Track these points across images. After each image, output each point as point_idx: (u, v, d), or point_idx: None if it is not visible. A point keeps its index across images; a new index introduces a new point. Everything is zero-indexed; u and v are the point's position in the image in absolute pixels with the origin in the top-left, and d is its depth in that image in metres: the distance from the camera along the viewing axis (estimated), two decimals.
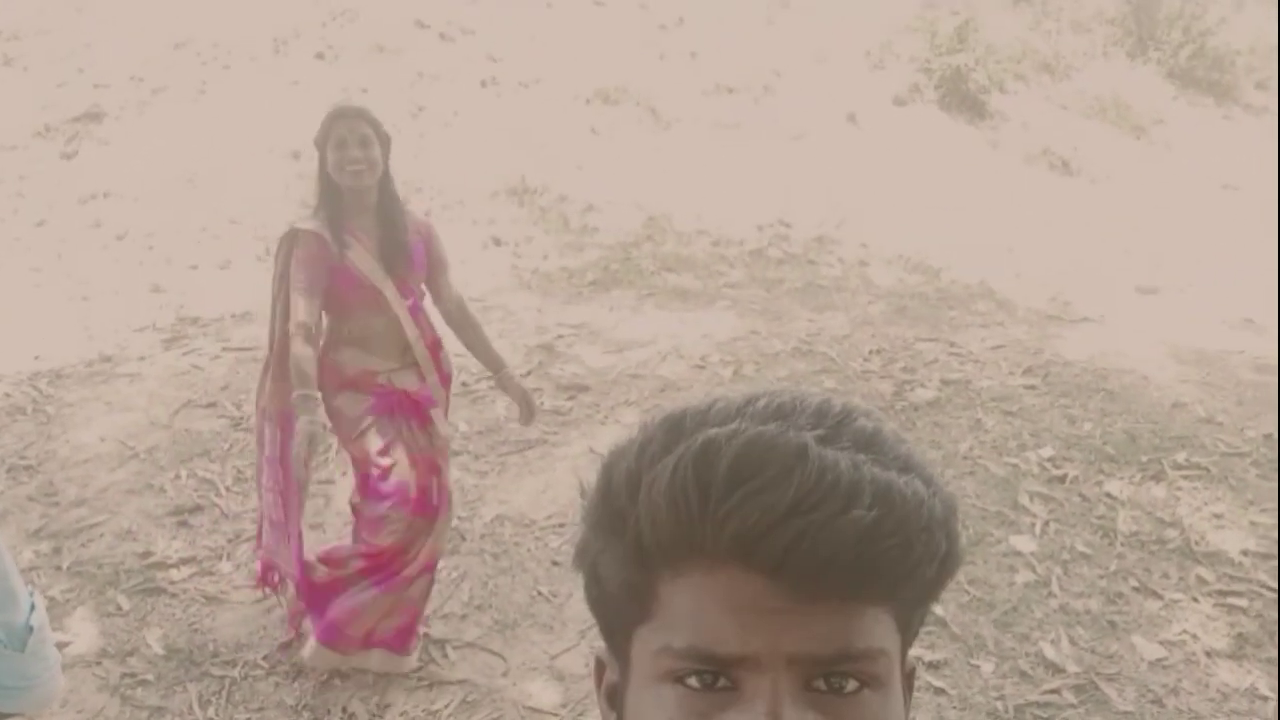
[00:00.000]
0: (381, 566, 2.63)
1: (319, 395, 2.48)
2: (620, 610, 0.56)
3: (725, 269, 5.83)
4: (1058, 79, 9.56)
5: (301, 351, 2.45)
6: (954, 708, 2.72)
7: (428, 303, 2.76)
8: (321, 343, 2.60)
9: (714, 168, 7.20)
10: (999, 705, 2.73)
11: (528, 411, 2.86)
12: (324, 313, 2.58)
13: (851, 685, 0.52)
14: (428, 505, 2.64)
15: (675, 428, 0.54)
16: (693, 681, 0.52)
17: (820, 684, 0.51)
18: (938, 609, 3.05)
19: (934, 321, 5.16)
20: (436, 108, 7.46)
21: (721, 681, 0.52)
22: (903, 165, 7.45)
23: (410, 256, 2.59)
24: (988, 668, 2.85)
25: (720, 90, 8.19)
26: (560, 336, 4.92)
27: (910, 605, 0.54)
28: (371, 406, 2.60)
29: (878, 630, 0.52)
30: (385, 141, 2.53)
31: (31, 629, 1.20)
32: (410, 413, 2.64)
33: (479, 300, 5.31)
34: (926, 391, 4.38)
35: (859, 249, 6.14)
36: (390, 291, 2.54)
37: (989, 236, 6.40)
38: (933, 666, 2.84)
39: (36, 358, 4.59)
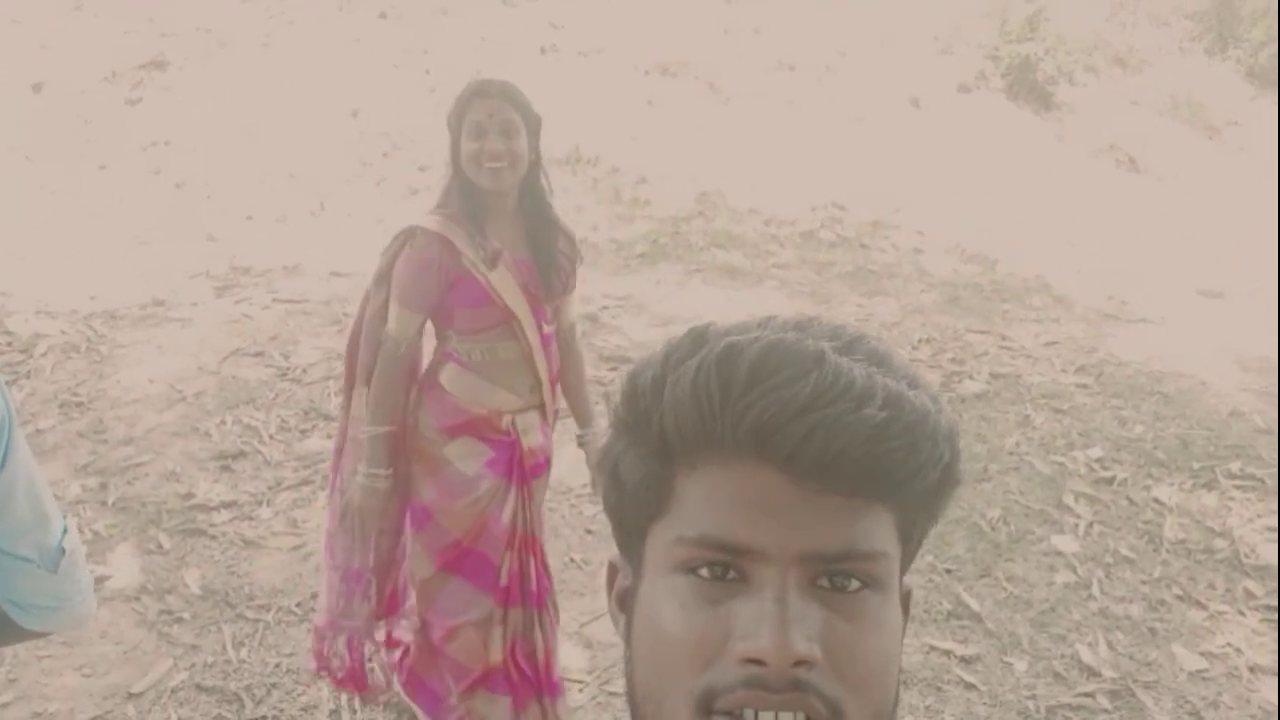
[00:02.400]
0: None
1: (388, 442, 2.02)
2: (638, 507, 0.58)
3: (775, 249, 5.75)
4: (1130, 73, 9.27)
5: (388, 374, 1.99)
6: (984, 704, 2.67)
7: None
8: (428, 371, 2.12)
9: (770, 146, 7.11)
10: (1030, 705, 2.68)
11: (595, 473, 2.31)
12: (437, 333, 2.09)
13: (854, 584, 0.54)
14: (519, 592, 2.15)
15: (699, 337, 0.57)
16: (703, 572, 0.54)
17: (824, 582, 0.53)
18: (973, 602, 3.01)
19: (987, 313, 5.06)
20: (494, 73, 7.43)
21: (731, 574, 0.54)
22: (964, 153, 7.29)
23: (560, 277, 2.07)
24: (1021, 666, 2.80)
25: (782, 68, 8.06)
26: (605, 307, 4.90)
27: (912, 511, 0.56)
28: (493, 462, 2.07)
29: (881, 533, 0.55)
30: (535, 126, 1.99)
31: (64, 551, 1.21)
32: (527, 476, 2.11)
33: None
34: (975, 384, 4.30)
35: (914, 236, 6.03)
36: (527, 318, 2.01)
37: (1048, 230, 6.24)
38: (965, 661, 2.80)
39: (92, 298, 4.68)
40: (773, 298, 5.06)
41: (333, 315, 4.58)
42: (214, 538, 3.14)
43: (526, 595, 2.17)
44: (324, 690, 2.58)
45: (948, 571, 3.13)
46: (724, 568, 0.54)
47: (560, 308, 2.15)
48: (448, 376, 2.06)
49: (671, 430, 0.55)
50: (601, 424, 2.28)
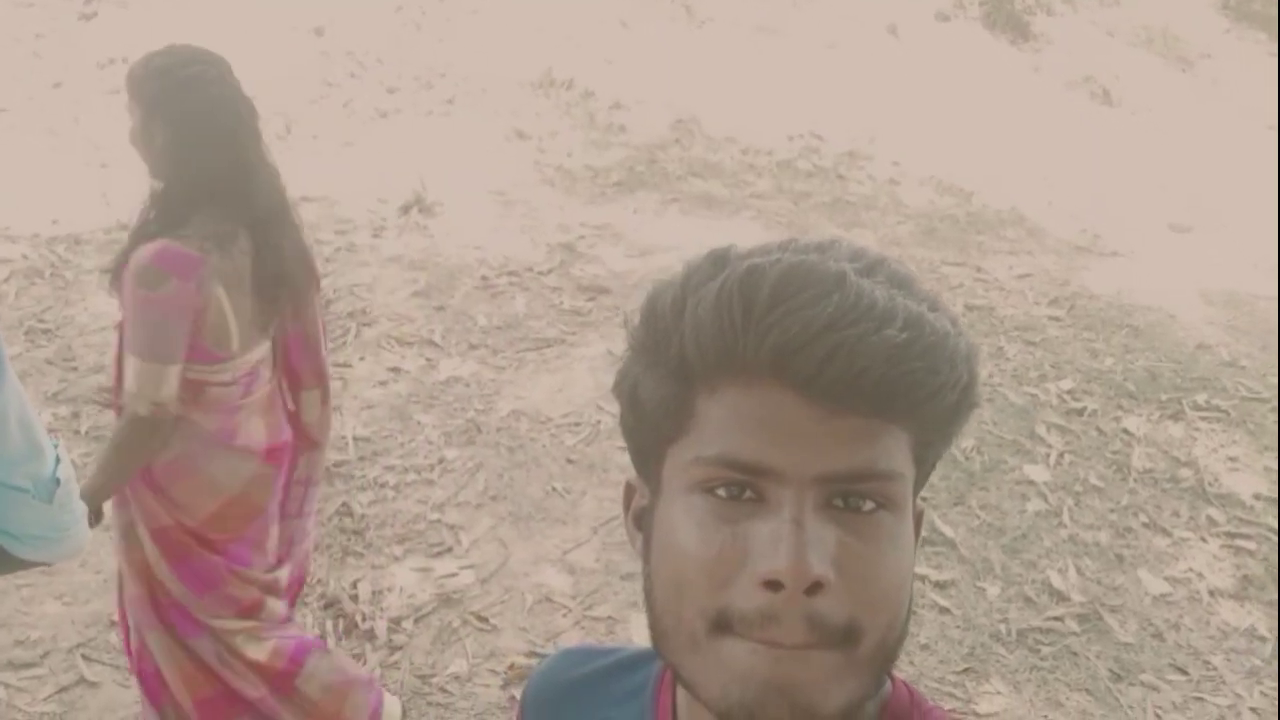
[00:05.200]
0: None
1: None
2: (656, 429, 0.59)
3: (753, 178, 5.70)
4: (1106, 4, 9.19)
5: None
6: (958, 627, 2.76)
7: None
8: None
9: (747, 72, 6.99)
10: (1002, 628, 2.76)
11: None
12: None
13: (869, 505, 0.54)
14: None
15: (719, 259, 0.57)
16: (721, 492, 0.54)
17: (839, 502, 0.54)
18: (947, 530, 3.08)
19: (962, 245, 5.08)
20: None
21: (748, 494, 0.54)
22: (941, 83, 7.22)
23: None
24: (993, 591, 2.88)
25: None
26: (582, 236, 4.85)
27: (929, 433, 0.57)
28: None
29: (898, 454, 0.55)
30: None
31: (58, 481, 1.20)
32: None
33: (501, 194, 5.24)
34: None
35: (890, 167, 6.00)
36: None
37: (1024, 162, 6.24)
38: (939, 586, 2.88)
39: (54, 222, 4.54)
40: (750, 228, 5.04)
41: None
42: None
43: None
44: (309, 615, 2.60)
45: (923, 499, 3.19)
46: (741, 488, 0.54)
47: None
48: None
49: (692, 352, 0.55)
50: None
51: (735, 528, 0.54)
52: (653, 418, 0.58)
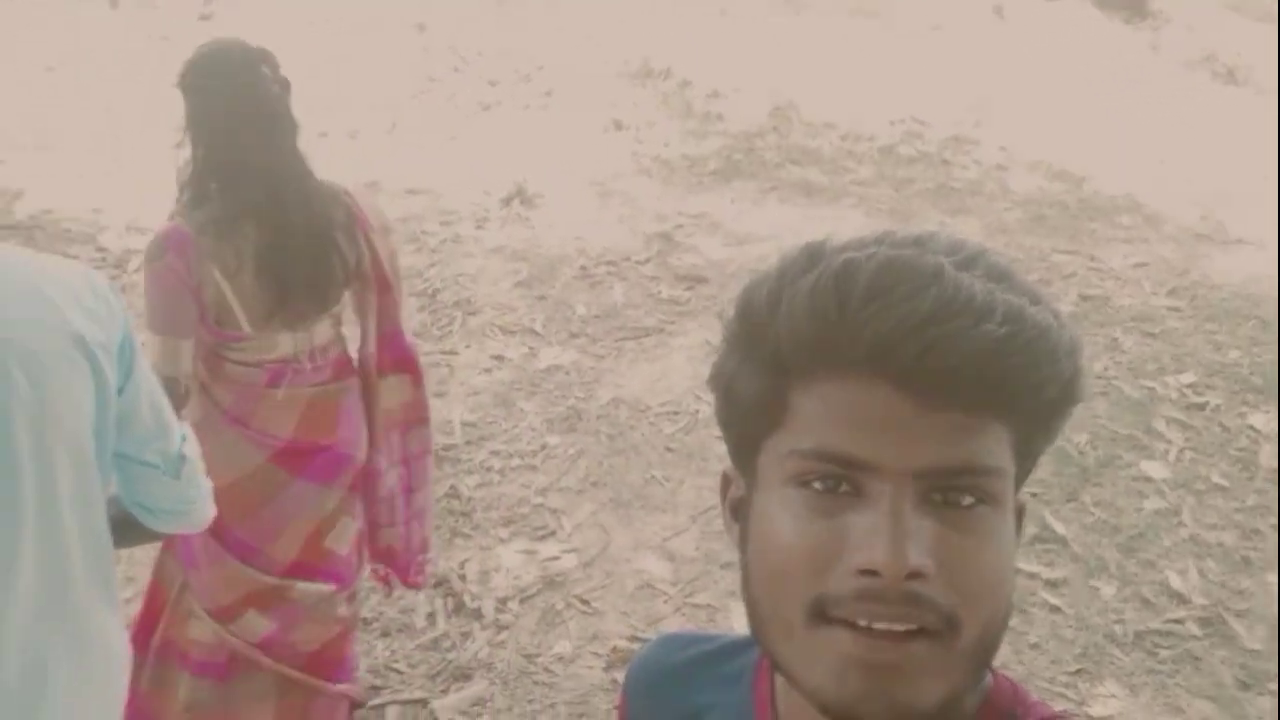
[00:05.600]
0: None
1: None
2: (752, 422, 0.59)
3: (853, 165, 5.61)
4: None
5: None
6: (1070, 626, 2.67)
7: None
8: None
9: (846, 57, 6.87)
10: (1117, 629, 2.67)
11: None
12: None
13: (968, 500, 0.54)
14: None
15: (815, 253, 0.56)
16: (817, 485, 0.54)
17: (938, 496, 0.53)
18: (1059, 526, 2.98)
19: (1074, 233, 4.89)
20: None
21: (845, 486, 0.54)
22: (1050, 64, 6.97)
23: None
24: (1108, 591, 2.79)
25: None
26: (680, 226, 4.85)
27: (1030, 427, 0.56)
28: None
29: (997, 450, 0.54)
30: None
31: (184, 458, 1.26)
32: None
33: (599, 184, 5.28)
34: (1062, 306, 4.16)
35: (997, 151, 5.82)
36: None
37: (1139, 146, 5.97)
38: (1051, 584, 2.79)
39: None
40: (851, 216, 4.96)
41: (410, 233, 4.61)
42: None
43: None
44: (420, 594, 2.67)
45: (1034, 495, 3.09)
46: (838, 481, 0.54)
47: None
48: None
49: (787, 346, 0.55)
50: None
51: (832, 521, 0.54)
52: (748, 411, 0.59)
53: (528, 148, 5.60)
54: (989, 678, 0.63)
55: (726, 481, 0.65)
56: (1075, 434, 3.36)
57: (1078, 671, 2.56)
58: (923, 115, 6.17)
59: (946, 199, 5.23)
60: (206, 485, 1.34)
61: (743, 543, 0.60)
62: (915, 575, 0.51)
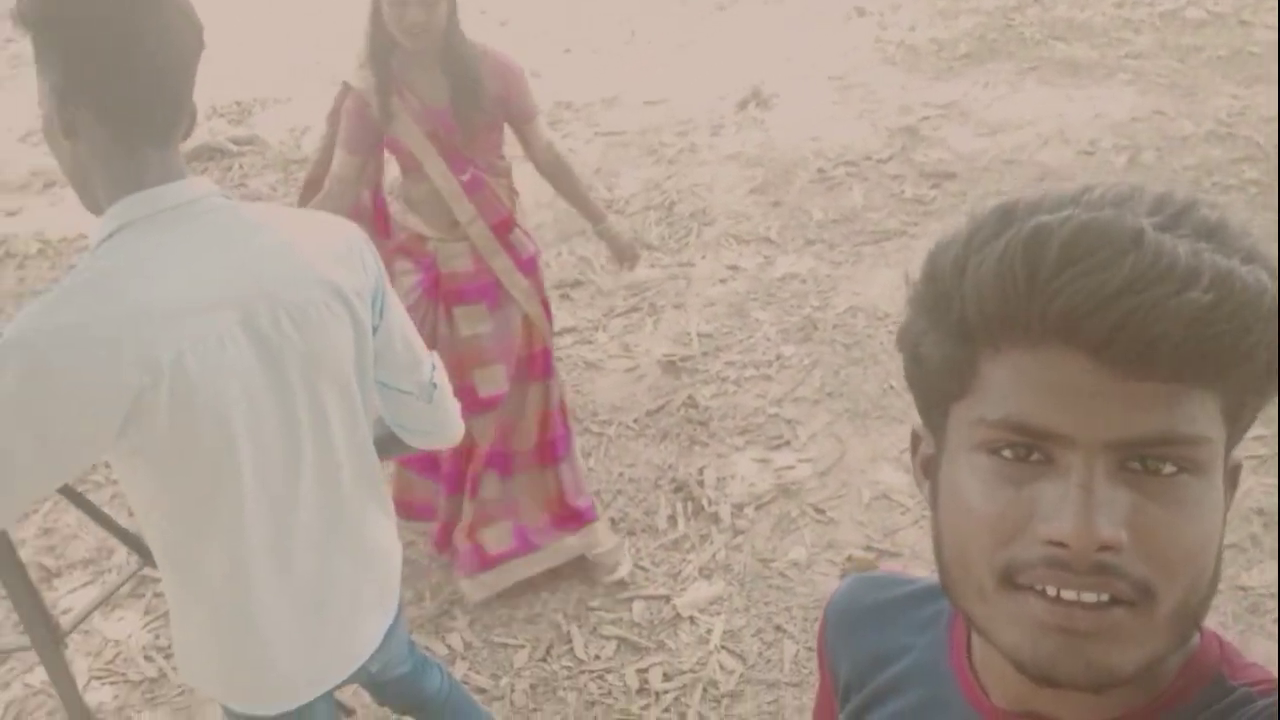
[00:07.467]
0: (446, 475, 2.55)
1: None
2: (939, 387, 0.58)
3: (1129, 35, 5.01)
4: None
5: (330, 208, 2.12)
6: None
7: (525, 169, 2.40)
8: (391, 197, 2.48)
9: None
10: None
11: (623, 256, 2.58)
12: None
13: (1169, 468, 0.52)
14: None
15: (1006, 215, 0.54)
16: (1006, 453, 0.54)
17: (1135, 464, 0.52)
18: None
19: None
20: None
21: (1035, 455, 0.53)
22: None
23: (484, 118, 2.25)
24: None
25: None
26: (926, 118, 4.60)
27: (1241, 394, 0.53)
28: (419, 282, 2.37)
29: (1202, 417, 0.52)
30: None
31: (434, 385, 1.42)
32: (450, 300, 2.38)
33: (840, 78, 5.09)
34: None
35: None
36: (435, 166, 2.24)
37: None
38: None
39: None
40: (1123, 95, 4.47)
41: (649, 145, 4.70)
42: (559, 359, 3.46)
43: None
44: (661, 497, 2.84)
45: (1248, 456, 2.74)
46: (1028, 449, 0.53)
47: (527, 138, 2.36)
48: (393, 204, 2.44)
49: (973, 314, 0.54)
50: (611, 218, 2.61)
51: (1021, 489, 0.53)
52: (936, 375, 0.58)
53: (765, 46, 5.47)
54: (1196, 636, 0.61)
55: (916, 439, 0.66)
56: None
57: None
58: None
59: (1242, 66, 4.57)
60: (455, 406, 1.50)
61: (933, 502, 0.61)
62: (1106, 548, 0.50)
